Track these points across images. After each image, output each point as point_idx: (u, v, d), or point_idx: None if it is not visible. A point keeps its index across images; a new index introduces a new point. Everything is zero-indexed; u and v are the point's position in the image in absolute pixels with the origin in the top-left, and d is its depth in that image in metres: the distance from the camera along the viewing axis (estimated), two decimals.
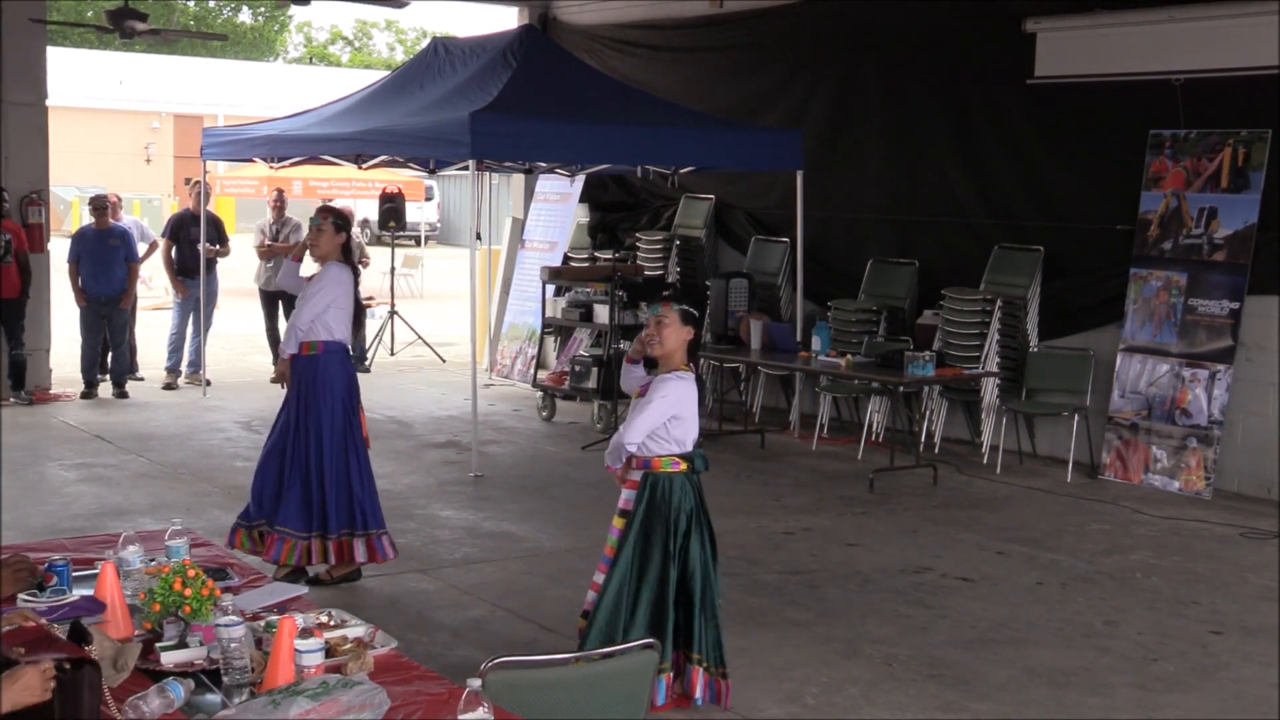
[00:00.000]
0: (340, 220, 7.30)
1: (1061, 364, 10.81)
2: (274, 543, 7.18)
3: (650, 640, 3.92)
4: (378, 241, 25.66)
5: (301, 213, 15.80)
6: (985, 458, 10.81)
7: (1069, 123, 10.95)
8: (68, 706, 3.02)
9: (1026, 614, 7.15)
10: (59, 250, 13.50)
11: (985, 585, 7.66)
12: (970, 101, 11.64)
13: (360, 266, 15.01)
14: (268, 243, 14.27)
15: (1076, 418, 10.42)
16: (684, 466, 5.50)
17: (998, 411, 10.88)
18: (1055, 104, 10.94)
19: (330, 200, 30.19)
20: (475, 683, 3.08)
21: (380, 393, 13.58)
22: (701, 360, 12.86)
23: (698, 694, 5.56)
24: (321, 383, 7.18)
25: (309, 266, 7.49)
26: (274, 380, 13.67)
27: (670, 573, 5.46)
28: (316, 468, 7.17)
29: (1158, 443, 10.10)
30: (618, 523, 5.54)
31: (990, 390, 10.94)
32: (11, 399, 12.49)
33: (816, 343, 10.73)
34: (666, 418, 5.41)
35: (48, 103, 13.00)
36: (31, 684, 2.96)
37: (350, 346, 7.48)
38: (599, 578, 5.55)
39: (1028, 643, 6.70)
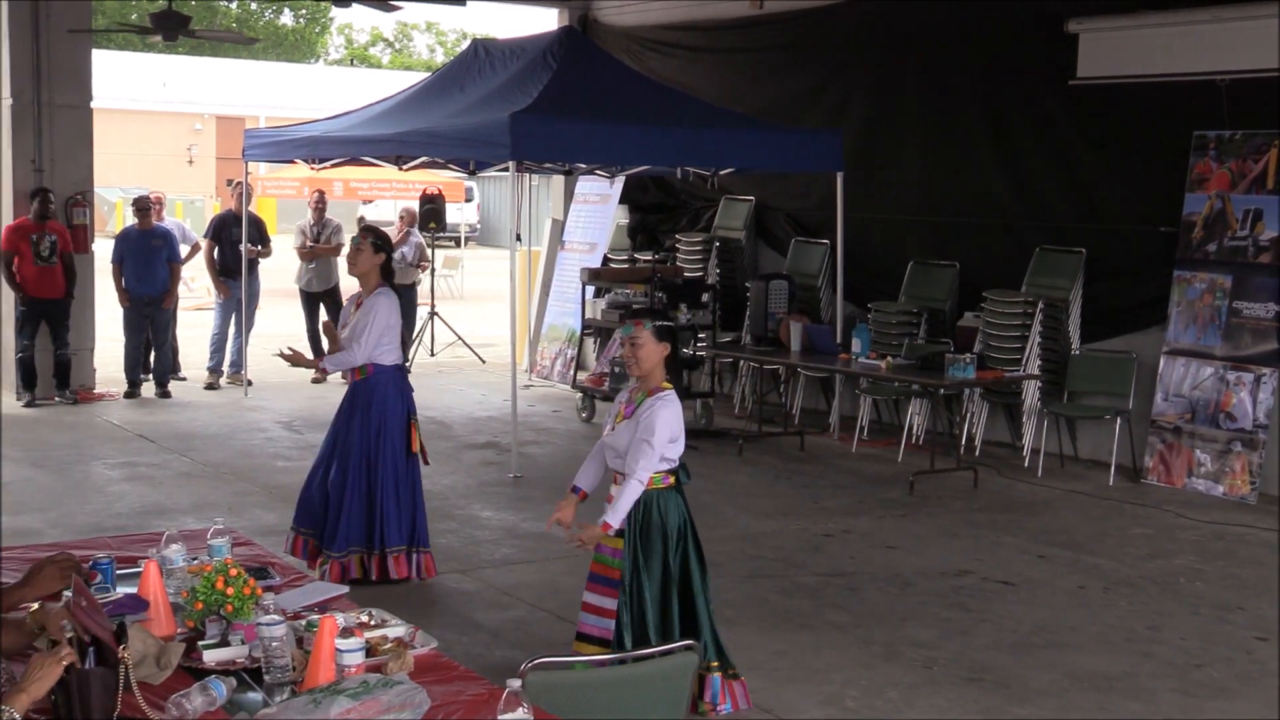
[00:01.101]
0: (380, 241, 7.30)
1: (1104, 367, 10.73)
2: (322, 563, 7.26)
3: (690, 641, 3.91)
4: None
5: (342, 214, 15.93)
6: (1026, 461, 10.74)
7: (1111, 124, 10.87)
8: (75, 704, 3.04)
9: (1068, 618, 7.11)
10: (103, 251, 13.60)
11: (1026, 589, 7.61)
12: (1011, 102, 11.58)
13: (420, 269, 15.30)
14: (309, 244, 14.35)
15: (1119, 421, 10.34)
16: (672, 481, 5.43)
17: (1039, 414, 10.81)
18: (1097, 105, 10.87)
19: (370, 201, 30.38)
20: (515, 683, 3.08)
21: (420, 394, 13.49)
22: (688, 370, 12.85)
23: (718, 702, 5.50)
24: (376, 403, 7.24)
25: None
26: (315, 381, 13.77)
27: (672, 589, 5.41)
28: (365, 485, 7.24)
29: (1201, 446, 10.01)
30: (609, 542, 5.43)
31: (1031, 393, 10.87)
32: (56, 398, 12.60)
33: (856, 345, 10.69)
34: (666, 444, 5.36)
35: (92, 105, 13.12)
36: (51, 669, 3.00)
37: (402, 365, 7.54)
38: (597, 600, 5.48)
39: (1070, 647, 6.65)
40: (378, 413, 7.24)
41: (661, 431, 5.27)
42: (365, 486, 7.25)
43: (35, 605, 3.51)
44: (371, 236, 7.27)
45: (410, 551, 7.31)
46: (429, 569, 7.41)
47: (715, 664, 5.52)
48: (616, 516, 5.27)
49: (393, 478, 7.26)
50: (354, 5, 12.25)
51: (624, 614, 5.38)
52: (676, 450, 5.40)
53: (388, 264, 7.32)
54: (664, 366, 5.43)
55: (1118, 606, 7.35)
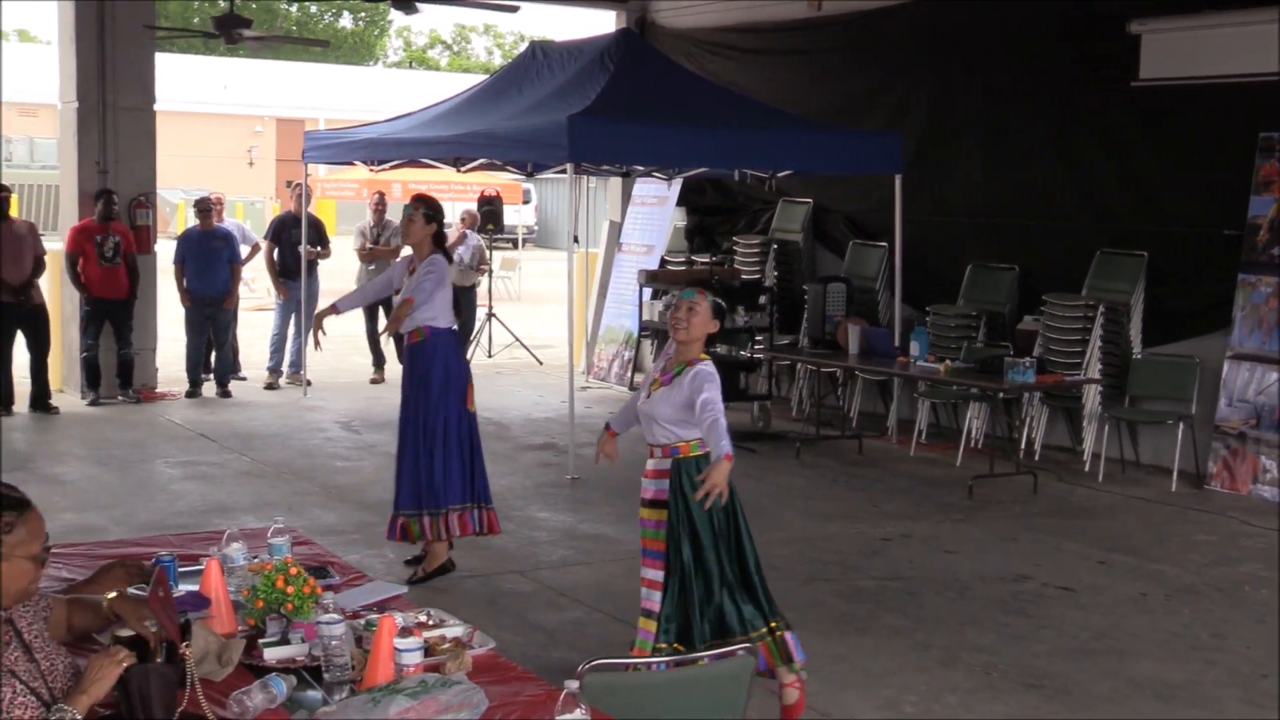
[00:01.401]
0: (431, 210, 7.37)
1: (1166, 371, 10.61)
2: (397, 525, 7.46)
3: (747, 645, 3.90)
4: None
5: (400, 216, 15.99)
6: (1087, 465, 10.64)
7: (1174, 125, 10.75)
8: (135, 702, 3.07)
9: (1130, 625, 7.03)
10: (165, 252, 13.75)
11: (1087, 595, 7.54)
12: (1072, 104, 11.47)
13: (479, 272, 15.36)
14: (369, 245, 14.42)
15: (1181, 426, 10.22)
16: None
17: (1100, 419, 10.70)
18: (1160, 106, 10.75)
19: None
20: (573, 684, 3.08)
21: (478, 394, 13.63)
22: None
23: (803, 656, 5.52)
24: (437, 366, 7.36)
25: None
26: (373, 381, 13.83)
27: (722, 551, 5.39)
28: (426, 446, 7.35)
29: (1267, 453, 9.87)
30: (651, 514, 5.46)
31: (1092, 397, 10.77)
32: (119, 397, 12.75)
33: (915, 348, 10.63)
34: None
35: (155, 107, 13.25)
36: (109, 670, 3.04)
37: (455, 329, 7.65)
38: (651, 574, 5.47)
39: (1131, 654, 6.58)
40: (438, 374, 7.33)
41: (716, 391, 5.20)
42: (426, 448, 7.34)
43: (113, 594, 3.54)
44: (423, 207, 7.35)
45: (473, 509, 7.43)
46: (493, 525, 7.53)
47: (775, 624, 5.46)
48: (723, 445, 5.02)
49: (455, 437, 7.36)
50: (419, 8, 12.32)
51: (668, 586, 5.39)
52: None
53: (439, 233, 7.42)
54: (703, 342, 5.41)
55: (1180, 614, 7.26)
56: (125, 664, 3.04)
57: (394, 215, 15.11)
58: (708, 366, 5.32)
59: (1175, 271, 10.75)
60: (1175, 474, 10.19)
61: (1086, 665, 6.40)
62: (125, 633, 3.30)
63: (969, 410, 11.36)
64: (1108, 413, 10.64)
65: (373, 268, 14.43)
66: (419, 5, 12.29)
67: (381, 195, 15.14)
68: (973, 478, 10.04)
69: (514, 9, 13.28)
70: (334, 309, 7.71)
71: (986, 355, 10.69)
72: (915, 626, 6.92)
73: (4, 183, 12.62)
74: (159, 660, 3.17)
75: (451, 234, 15.72)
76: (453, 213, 18.45)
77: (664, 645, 5.31)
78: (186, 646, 3.19)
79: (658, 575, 5.44)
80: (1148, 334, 10.84)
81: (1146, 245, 10.80)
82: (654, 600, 5.45)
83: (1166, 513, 9.53)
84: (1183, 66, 10.51)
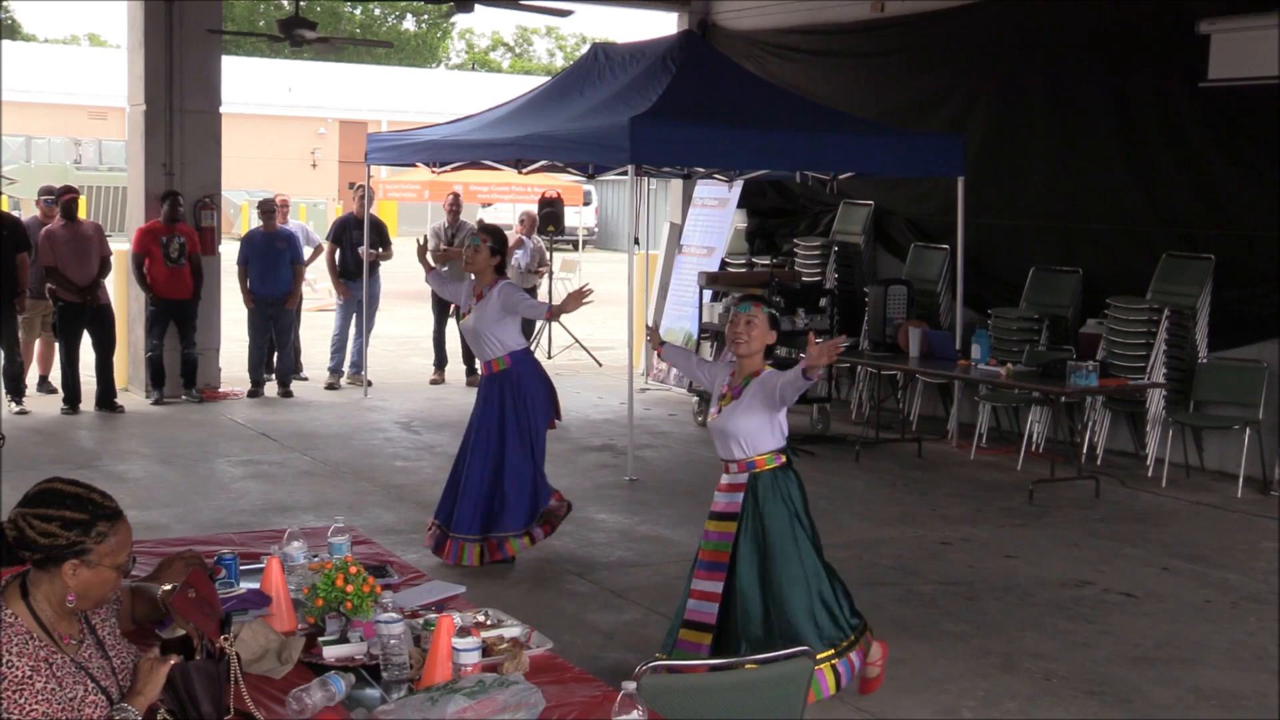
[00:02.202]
0: (497, 244, 7.73)
1: (1232, 376, 10.47)
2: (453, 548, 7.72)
3: (805, 648, 3.88)
4: None
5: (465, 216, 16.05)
6: (1150, 471, 10.52)
7: (1244, 127, 10.61)
8: (182, 699, 3.10)
9: (1194, 633, 6.94)
10: (229, 253, 13.88)
11: (1150, 602, 7.45)
12: (1139, 105, 11.35)
13: (537, 275, 15.39)
14: (443, 246, 14.37)
15: (1248, 431, 10.09)
16: (784, 459, 5.52)
17: (1164, 423, 10.58)
18: (1229, 107, 10.61)
19: (490, 204, 30.63)
20: (630, 686, 3.08)
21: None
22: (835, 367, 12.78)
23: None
24: (522, 390, 7.70)
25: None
26: (433, 382, 13.87)
27: (777, 567, 5.43)
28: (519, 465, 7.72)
29: None
30: (716, 527, 5.53)
31: (1156, 402, 10.65)
32: (183, 396, 12.88)
33: (976, 351, 10.56)
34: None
35: (220, 110, 13.38)
36: (157, 670, 3.09)
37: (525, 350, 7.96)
38: (708, 585, 5.50)
39: (1195, 663, 6.50)
40: (530, 398, 7.70)
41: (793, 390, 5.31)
42: (515, 470, 7.69)
43: (168, 586, 3.59)
44: (490, 240, 7.72)
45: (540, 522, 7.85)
46: (560, 496, 8.02)
47: (830, 653, 5.46)
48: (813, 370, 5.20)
49: (536, 457, 7.76)
50: (477, 7, 12.37)
51: (729, 597, 5.43)
52: (785, 427, 5.52)
53: (501, 264, 7.76)
54: (764, 353, 5.51)
55: (1246, 622, 7.17)
56: (171, 662, 3.08)
57: (466, 216, 15.20)
58: (773, 375, 5.42)
59: (1242, 275, 10.60)
60: (1241, 480, 10.06)
61: (1148, 673, 6.33)
62: (175, 633, 3.35)
63: (1030, 414, 11.26)
64: (1172, 417, 10.52)
65: (445, 269, 14.44)
66: (476, 5, 12.33)
67: (457, 196, 15.12)
68: (1034, 482, 9.95)
69: (567, 13, 13.30)
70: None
71: (1048, 359, 10.59)
72: (974, 632, 6.87)
73: (73, 185, 12.81)
74: (199, 657, 3.20)
75: (511, 236, 15.77)
76: (512, 214, 18.50)
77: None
78: (226, 640, 3.21)
79: (715, 587, 5.49)
80: (1213, 338, 10.71)
81: (1213, 248, 10.66)
82: (709, 612, 5.48)
83: (1232, 519, 9.41)
84: (1252, 67, 10.36)
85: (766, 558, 5.43)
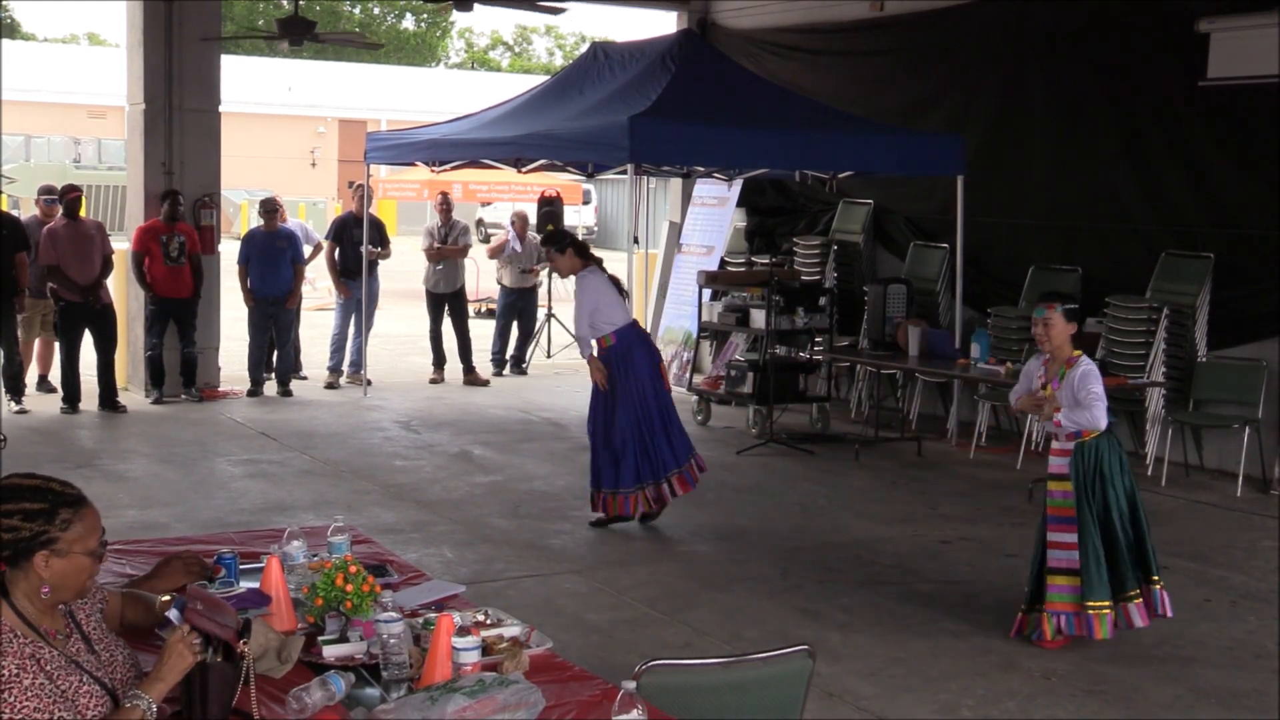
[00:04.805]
0: (561, 244, 9.07)
1: (1232, 375, 10.48)
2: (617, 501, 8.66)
3: (805, 647, 3.87)
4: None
5: (460, 216, 16.05)
6: (1149, 469, 10.52)
7: (1243, 126, 10.61)
8: (195, 697, 3.11)
9: (1193, 631, 6.94)
10: (229, 252, 13.87)
11: None
12: (1138, 104, 11.35)
13: (533, 273, 15.38)
14: (436, 245, 14.45)
15: (1247, 430, 10.09)
16: (1103, 426, 6.49)
17: (1163, 422, 10.59)
18: (1228, 107, 10.62)
19: (489, 203, 30.60)
20: (630, 684, 3.08)
21: (537, 394, 13.72)
22: (866, 366, 12.79)
23: (1162, 611, 6.58)
24: (628, 363, 8.63)
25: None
26: (433, 381, 13.84)
27: (1114, 519, 6.41)
28: (641, 428, 8.61)
29: None
30: (1057, 486, 6.55)
31: (1155, 400, 10.65)
32: (182, 395, 12.88)
33: (975, 350, 10.56)
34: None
35: (220, 109, 13.38)
36: (184, 656, 3.09)
37: (630, 323, 8.92)
38: (1065, 537, 6.46)
39: (1195, 661, 6.51)
40: (639, 366, 8.64)
41: (1095, 387, 6.35)
42: (647, 429, 8.59)
43: (166, 596, 3.59)
44: (553, 245, 9.11)
45: (686, 470, 8.77)
46: (700, 465, 8.91)
47: (1156, 577, 6.56)
48: (1084, 420, 6.46)
49: (659, 415, 8.64)
50: (475, 6, 12.37)
51: (1084, 545, 6.40)
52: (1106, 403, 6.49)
53: (582, 250, 9.07)
54: (1070, 342, 6.50)
55: (1246, 621, 7.17)
56: (198, 658, 3.08)
57: (460, 215, 15.21)
58: (1084, 362, 6.46)
59: (1242, 274, 10.61)
60: (1240, 479, 10.06)
61: (1148, 672, 6.34)
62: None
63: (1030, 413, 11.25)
64: (1171, 416, 10.53)
65: (440, 267, 14.47)
66: (474, 3, 12.33)
67: (445, 195, 15.17)
68: (1033, 481, 9.93)
69: (560, 10, 13.30)
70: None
71: None
72: (974, 630, 6.88)
73: (74, 184, 12.80)
74: (216, 659, 3.20)
75: (499, 238, 15.78)
76: (509, 213, 18.48)
77: (1105, 602, 6.40)
78: (244, 644, 3.21)
79: (1070, 538, 6.47)
80: (1213, 337, 10.71)
81: (1213, 247, 10.66)
82: (1070, 559, 6.45)
83: (1231, 518, 9.41)
84: (1251, 66, 10.37)
85: (1104, 509, 6.44)
